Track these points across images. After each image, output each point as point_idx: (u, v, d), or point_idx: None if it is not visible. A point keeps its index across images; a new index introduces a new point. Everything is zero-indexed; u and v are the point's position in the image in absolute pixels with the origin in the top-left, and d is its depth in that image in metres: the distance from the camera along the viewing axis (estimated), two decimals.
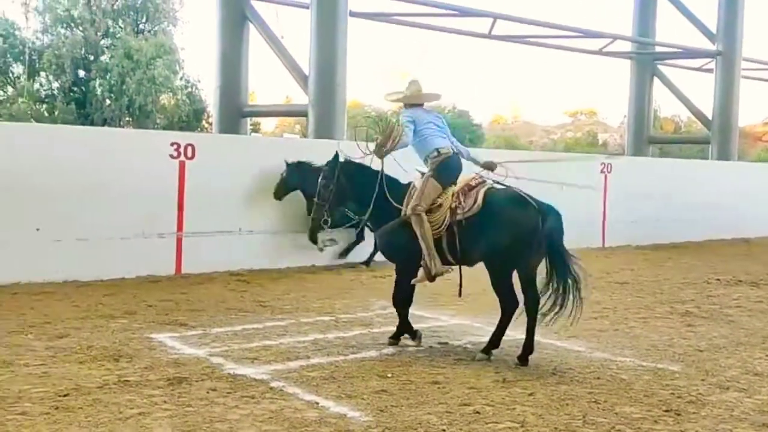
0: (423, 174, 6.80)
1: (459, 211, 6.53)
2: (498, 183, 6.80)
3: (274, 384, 5.55)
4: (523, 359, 6.34)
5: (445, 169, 6.69)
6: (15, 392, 5.17)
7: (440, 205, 6.55)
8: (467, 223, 6.50)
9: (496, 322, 6.62)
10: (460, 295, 6.88)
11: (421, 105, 6.99)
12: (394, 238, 6.74)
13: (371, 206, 6.75)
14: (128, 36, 32.68)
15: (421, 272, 6.68)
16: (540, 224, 6.33)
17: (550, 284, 6.33)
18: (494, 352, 6.54)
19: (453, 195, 6.59)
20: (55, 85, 32.94)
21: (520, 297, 6.48)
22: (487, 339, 6.72)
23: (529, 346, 6.39)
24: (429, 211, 6.54)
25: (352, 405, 5.15)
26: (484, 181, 6.75)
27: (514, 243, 6.35)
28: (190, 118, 33.59)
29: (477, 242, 6.52)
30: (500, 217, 6.43)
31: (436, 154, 6.72)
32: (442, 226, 6.54)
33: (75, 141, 10.08)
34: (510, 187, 6.72)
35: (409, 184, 6.81)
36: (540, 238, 6.31)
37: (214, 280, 10.02)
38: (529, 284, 6.42)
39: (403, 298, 6.85)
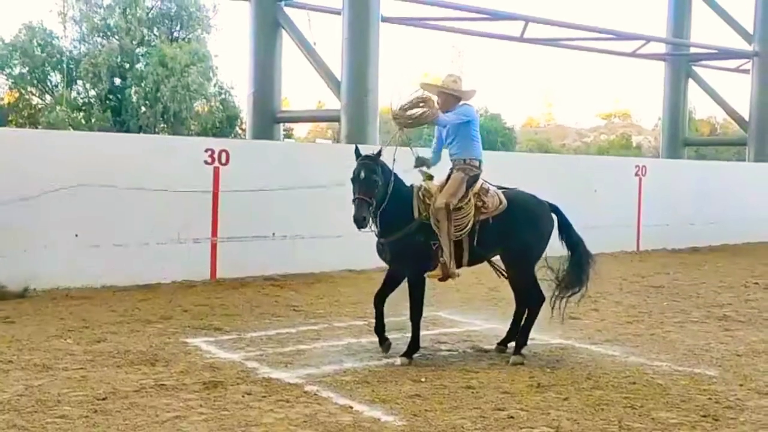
0: (426, 174, 6.72)
1: (484, 210, 6.59)
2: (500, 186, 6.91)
3: (308, 388, 5.59)
4: (519, 352, 6.57)
5: (474, 181, 6.68)
6: (54, 395, 5.27)
7: (460, 208, 6.50)
8: (494, 221, 6.61)
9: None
10: (501, 276, 6.96)
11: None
12: (411, 243, 6.45)
13: (384, 206, 6.37)
14: (163, 44, 33.08)
15: (438, 267, 6.57)
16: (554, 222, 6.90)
17: (575, 265, 6.89)
18: (525, 353, 6.62)
19: (474, 195, 6.61)
20: (92, 93, 33.44)
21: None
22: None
23: (526, 338, 6.71)
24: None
25: (386, 409, 5.16)
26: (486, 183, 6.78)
27: (543, 239, 6.79)
28: (224, 125, 33.89)
29: (505, 240, 6.64)
30: (531, 216, 6.76)
31: (477, 164, 6.72)
32: (470, 225, 6.52)
33: (111, 148, 10.24)
34: (513, 188, 6.98)
35: (412, 186, 6.62)
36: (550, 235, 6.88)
37: (248, 285, 10.09)
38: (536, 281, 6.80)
39: (422, 305, 6.60)
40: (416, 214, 6.50)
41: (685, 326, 8.18)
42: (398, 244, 6.49)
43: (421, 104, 6.51)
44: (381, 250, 6.68)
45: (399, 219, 6.46)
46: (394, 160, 6.52)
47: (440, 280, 6.68)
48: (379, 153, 6.43)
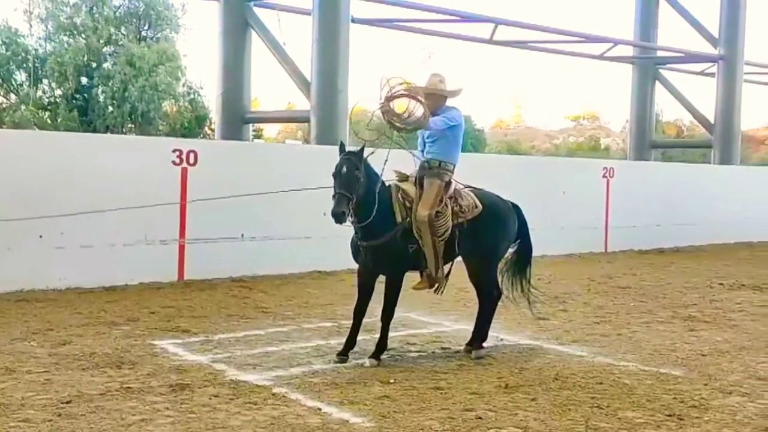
0: (401, 174, 6.71)
1: (461, 213, 6.62)
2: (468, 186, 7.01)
3: (276, 390, 5.55)
4: (479, 346, 6.77)
5: (448, 186, 6.68)
6: (18, 399, 5.18)
7: (439, 214, 6.50)
8: (469, 224, 6.67)
9: (494, 325, 7.01)
10: (442, 293, 6.91)
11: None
12: (395, 248, 6.40)
13: (367, 210, 6.26)
14: (131, 43, 32.75)
15: (422, 279, 6.67)
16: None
17: (520, 269, 7.23)
18: (492, 353, 6.76)
19: (450, 199, 6.63)
20: (58, 92, 33.02)
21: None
22: (487, 344, 6.88)
23: (486, 331, 6.98)
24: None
25: (355, 411, 5.15)
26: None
27: (510, 238, 7.07)
28: (193, 125, 33.65)
29: (477, 241, 6.71)
30: (502, 217, 6.93)
31: (452, 168, 6.72)
32: (449, 230, 6.55)
33: (77, 148, 10.12)
34: (479, 188, 7.07)
35: (389, 187, 6.54)
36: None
37: (216, 287, 10.02)
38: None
39: (395, 307, 6.59)
40: (399, 219, 6.46)
41: (652, 326, 8.27)
42: (381, 248, 6.39)
43: (412, 103, 6.33)
44: (358, 253, 6.56)
45: (382, 224, 6.37)
46: (386, 160, 6.45)
47: (430, 287, 6.72)
48: (362, 149, 6.31)
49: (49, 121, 31.84)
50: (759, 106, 54.06)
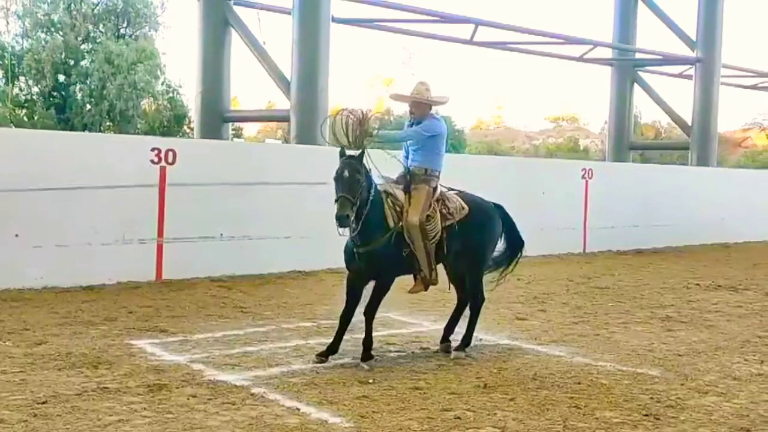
0: (389, 180, 6.72)
1: (449, 216, 6.68)
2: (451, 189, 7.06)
3: (254, 390, 5.53)
4: (462, 349, 6.83)
5: (435, 189, 6.74)
6: None
7: (429, 218, 6.56)
8: (459, 226, 6.73)
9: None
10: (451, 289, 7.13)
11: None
12: (389, 253, 6.41)
13: (363, 215, 6.23)
14: (109, 41, 32.50)
15: (417, 282, 6.73)
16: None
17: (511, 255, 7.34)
18: (469, 352, 6.84)
19: (438, 203, 6.68)
20: (35, 89, 32.70)
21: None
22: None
23: (471, 336, 6.98)
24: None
25: (334, 411, 5.14)
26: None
27: (496, 239, 7.10)
28: (172, 124, 33.44)
29: (465, 242, 6.76)
30: (488, 217, 6.99)
31: (437, 174, 6.77)
32: (439, 233, 6.60)
33: (55, 146, 10.02)
34: (461, 190, 7.09)
35: (378, 192, 6.50)
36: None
37: (195, 286, 9.96)
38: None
39: (379, 305, 6.60)
40: (391, 224, 6.47)
41: (629, 327, 8.33)
42: (377, 254, 6.38)
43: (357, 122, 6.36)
44: (353, 260, 6.48)
45: (376, 228, 6.38)
46: (369, 169, 6.42)
47: (425, 290, 6.80)
48: (362, 153, 6.28)
49: (26, 118, 31.53)
50: (736, 109, 54.62)
